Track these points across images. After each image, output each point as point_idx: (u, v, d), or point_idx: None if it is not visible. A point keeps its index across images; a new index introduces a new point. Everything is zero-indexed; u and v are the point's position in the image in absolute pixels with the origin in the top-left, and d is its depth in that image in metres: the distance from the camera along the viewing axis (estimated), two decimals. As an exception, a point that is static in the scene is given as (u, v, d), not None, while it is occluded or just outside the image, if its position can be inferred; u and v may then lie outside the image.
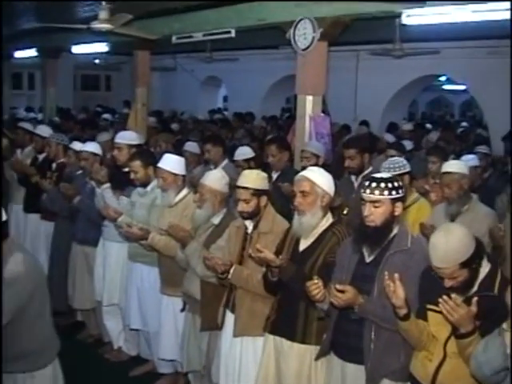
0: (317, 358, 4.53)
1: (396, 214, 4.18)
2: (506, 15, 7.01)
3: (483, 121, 16.17)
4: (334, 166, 7.97)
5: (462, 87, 17.59)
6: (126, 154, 6.97)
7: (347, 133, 12.53)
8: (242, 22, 9.28)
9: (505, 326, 3.39)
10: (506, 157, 10.26)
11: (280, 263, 4.46)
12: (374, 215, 4.12)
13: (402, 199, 4.24)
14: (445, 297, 3.53)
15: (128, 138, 7.26)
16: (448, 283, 3.68)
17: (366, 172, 6.71)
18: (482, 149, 9.12)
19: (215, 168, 7.62)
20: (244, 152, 7.92)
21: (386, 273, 3.83)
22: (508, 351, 3.29)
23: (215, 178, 5.58)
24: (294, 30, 8.26)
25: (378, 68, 13.68)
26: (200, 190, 5.57)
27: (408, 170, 6.11)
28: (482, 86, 12.92)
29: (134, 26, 9.75)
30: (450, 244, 3.61)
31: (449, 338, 3.81)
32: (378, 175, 4.26)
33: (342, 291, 3.99)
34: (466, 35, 10.90)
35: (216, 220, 5.55)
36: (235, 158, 7.92)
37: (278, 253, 4.66)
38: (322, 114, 8.74)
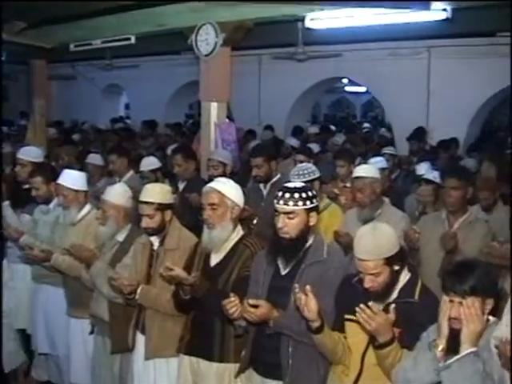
0: (236, 376, 4.37)
1: (311, 224, 4.08)
2: (407, 18, 7.08)
3: (385, 120, 16.36)
4: (241, 173, 7.87)
5: (363, 89, 17.80)
6: (29, 171, 6.63)
7: (252, 138, 12.44)
8: (142, 28, 9.05)
9: (437, 340, 3.33)
10: (410, 156, 10.37)
11: (193, 281, 4.28)
12: (289, 227, 4.00)
13: (316, 208, 4.14)
14: (362, 305, 3.45)
15: (33, 154, 6.99)
16: (368, 283, 3.61)
17: (274, 179, 6.63)
18: (388, 150, 9.19)
19: (120, 180, 7.38)
20: (150, 162, 7.73)
21: (297, 285, 3.72)
22: (439, 365, 3.24)
23: (117, 193, 5.35)
24: (196, 36, 8.10)
25: (281, 72, 13.64)
26: (102, 206, 5.34)
27: (318, 175, 6.05)
28: (384, 88, 13.06)
29: (29, 34, 9.38)
30: (376, 237, 3.59)
31: (366, 349, 3.74)
32: (290, 185, 4.12)
33: (255, 306, 3.86)
34: (368, 38, 10.96)
35: (121, 237, 5.32)
36: (141, 169, 7.70)
37: (186, 269, 4.49)
38: (227, 121, 8.60)
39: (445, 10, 6.92)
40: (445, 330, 3.29)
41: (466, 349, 3.20)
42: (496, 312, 3.52)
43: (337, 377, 3.90)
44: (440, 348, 3.28)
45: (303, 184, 4.23)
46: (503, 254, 4.68)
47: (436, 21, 7.39)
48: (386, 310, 3.60)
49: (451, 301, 3.32)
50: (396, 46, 12.41)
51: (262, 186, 6.68)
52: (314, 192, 4.15)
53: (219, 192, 4.46)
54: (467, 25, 9.42)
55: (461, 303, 3.28)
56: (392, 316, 3.47)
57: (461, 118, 12.01)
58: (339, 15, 7.61)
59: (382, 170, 7.17)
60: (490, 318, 3.45)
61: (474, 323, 3.22)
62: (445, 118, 11.85)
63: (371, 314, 3.42)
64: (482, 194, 6.53)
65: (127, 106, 21.40)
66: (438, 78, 12.10)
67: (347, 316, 3.82)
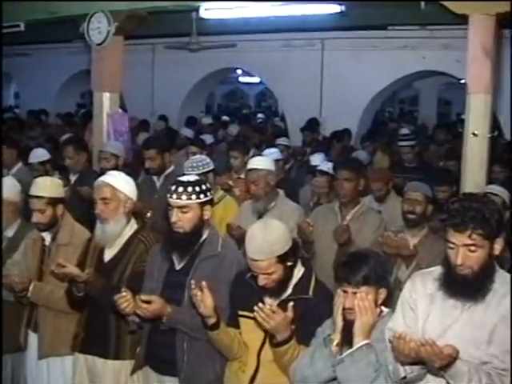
0: (132, 373, 4.30)
1: (205, 217, 4.05)
2: (302, 10, 7.13)
3: (279, 111, 16.48)
4: (134, 165, 7.73)
5: (257, 79, 17.86)
6: None
7: (146, 128, 12.29)
8: (32, 15, 8.74)
9: (332, 335, 3.35)
10: (304, 147, 10.46)
11: (86, 278, 4.17)
12: (183, 221, 3.96)
13: (211, 202, 4.11)
14: (260, 304, 3.45)
15: None
16: (262, 280, 3.59)
17: (167, 171, 6.56)
18: (282, 141, 9.23)
19: (8, 173, 7.12)
20: (39, 154, 7.50)
21: (193, 281, 3.69)
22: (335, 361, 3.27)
23: (5, 187, 5.12)
24: (88, 24, 7.88)
25: (175, 62, 13.52)
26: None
27: (211, 167, 6.01)
28: (278, 79, 13.14)
29: None
30: (268, 235, 3.56)
31: (262, 345, 3.74)
32: (184, 179, 4.08)
33: (148, 302, 3.80)
34: (262, 28, 10.99)
35: (10, 232, 5.09)
36: (30, 161, 7.46)
37: (80, 265, 4.39)
38: (120, 111, 8.43)
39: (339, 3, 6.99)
40: (339, 324, 3.33)
41: (358, 341, 3.25)
42: (389, 302, 3.58)
43: (233, 374, 3.89)
44: (335, 343, 3.32)
45: (197, 177, 4.20)
46: (398, 244, 4.79)
47: (330, 14, 7.47)
48: (280, 306, 3.60)
49: (345, 291, 3.36)
50: (290, 38, 12.51)
51: (155, 178, 6.59)
52: (208, 185, 4.13)
53: (111, 186, 4.36)
54: (360, 18, 9.59)
55: (354, 293, 3.33)
56: (290, 314, 3.47)
57: (353, 109, 12.26)
58: (233, 5, 7.58)
59: (277, 161, 7.19)
60: (384, 308, 3.51)
61: (367, 315, 3.27)
62: (338, 108, 12.06)
63: (269, 313, 3.42)
64: (375, 184, 6.63)
65: (17, 95, 20.78)
66: (331, 70, 12.28)
67: (242, 312, 3.81)
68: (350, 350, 3.25)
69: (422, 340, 2.92)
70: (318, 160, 7.61)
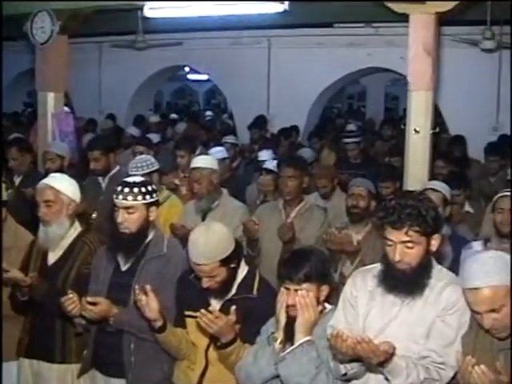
0: (78, 376, 4.28)
1: (151, 218, 4.07)
2: (248, 9, 7.15)
3: (228, 108, 16.50)
4: (80, 165, 7.67)
5: (206, 76, 17.84)
6: None
7: (93, 127, 12.19)
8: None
9: (275, 333, 3.38)
10: (251, 145, 10.48)
11: (30, 282, 4.15)
12: (128, 222, 3.97)
13: (156, 203, 4.14)
14: (203, 310, 3.46)
15: None
16: (206, 283, 3.61)
17: (113, 172, 6.51)
18: (229, 139, 9.22)
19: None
20: (-18, 156, 7.36)
21: (137, 287, 3.68)
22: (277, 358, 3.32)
23: None
24: (32, 23, 7.77)
25: (122, 60, 13.40)
26: None
27: (156, 167, 6.01)
28: (226, 76, 13.13)
29: None
30: (210, 240, 3.58)
31: (209, 345, 3.76)
32: (129, 179, 4.09)
33: (94, 303, 3.79)
34: (209, 26, 10.97)
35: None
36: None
37: (23, 268, 4.34)
38: (66, 110, 8.35)
39: (282, 1, 7.01)
40: (282, 321, 3.37)
41: (300, 338, 3.29)
42: (333, 299, 3.63)
43: (182, 372, 3.91)
44: (278, 341, 3.35)
45: (142, 178, 4.21)
46: (342, 240, 4.84)
47: (275, 13, 7.50)
48: (225, 306, 3.65)
49: (287, 289, 3.40)
50: (237, 36, 12.50)
51: (100, 179, 6.53)
52: (154, 186, 4.15)
53: (54, 188, 4.34)
54: (306, 16, 9.64)
55: (296, 291, 3.37)
56: (233, 317, 3.49)
57: (301, 106, 12.32)
58: (177, 5, 7.56)
59: (223, 159, 7.21)
60: (327, 305, 3.56)
61: (309, 312, 3.31)
62: (285, 105, 12.10)
63: (212, 318, 3.43)
64: (320, 181, 6.68)
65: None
66: (279, 67, 12.32)
67: (188, 312, 3.83)
68: (291, 348, 3.29)
69: (359, 338, 2.97)
70: (265, 157, 7.62)
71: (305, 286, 3.37)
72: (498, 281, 2.90)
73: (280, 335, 3.37)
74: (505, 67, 10.56)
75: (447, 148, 9.28)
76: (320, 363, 3.27)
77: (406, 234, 3.10)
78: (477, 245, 4.85)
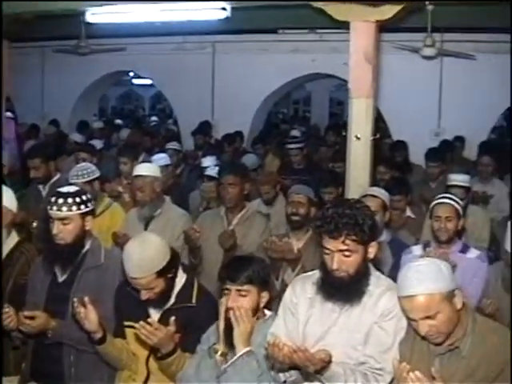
0: (17, 388, 4.21)
1: (86, 228, 4.03)
2: (191, 16, 7.12)
3: (174, 113, 16.41)
4: (21, 172, 7.55)
5: (150, 81, 17.75)
6: None
7: (36, 133, 12.01)
8: None
9: (216, 345, 3.38)
10: (195, 151, 10.43)
11: None
12: (64, 233, 3.91)
13: (92, 212, 4.10)
14: (142, 322, 3.42)
15: None
16: (145, 295, 3.59)
17: (54, 179, 6.45)
18: (173, 145, 9.17)
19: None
20: None
21: (76, 299, 3.64)
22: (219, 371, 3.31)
23: None
24: (-31, 28, 7.60)
25: (65, 65, 13.23)
26: None
27: (97, 175, 5.96)
28: (170, 81, 13.06)
29: None
30: (144, 253, 3.53)
31: (150, 355, 3.73)
32: (64, 189, 4.03)
33: (31, 317, 3.73)
34: (152, 32, 10.89)
35: None
36: None
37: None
38: (8, 115, 8.21)
39: (224, 9, 6.98)
40: (221, 332, 3.35)
41: (239, 350, 3.29)
42: (273, 306, 3.64)
43: (124, 382, 3.86)
44: (219, 353, 3.34)
45: (77, 188, 4.16)
46: (282, 248, 4.85)
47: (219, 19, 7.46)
48: (164, 315, 3.63)
49: (228, 290, 3.39)
50: (181, 41, 12.46)
51: (41, 187, 6.46)
52: (89, 195, 4.10)
53: (-12, 198, 4.25)
54: (251, 22, 9.64)
55: (238, 291, 3.37)
56: (172, 328, 3.47)
57: (245, 112, 12.31)
58: (120, 10, 7.47)
59: (166, 166, 7.17)
60: (267, 311, 3.56)
61: (244, 323, 3.31)
62: (230, 111, 12.09)
63: (152, 330, 3.40)
64: (263, 187, 6.70)
65: None
66: (223, 73, 12.30)
67: (127, 323, 3.79)
68: (232, 360, 3.29)
69: (295, 346, 2.97)
70: (208, 163, 7.58)
71: (246, 287, 3.38)
72: (433, 288, 2.93)
73: (221, 347, 3.36)
74: (445, 73, 10.77)
75: (389, 153, 9.38)
76: (261, 372, 3.28)
77: (343, 242, 3.12)
78: (416, 249, 4.92)
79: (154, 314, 3.70)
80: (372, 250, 3.25)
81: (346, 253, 3.14)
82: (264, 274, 3.49)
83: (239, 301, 3.38)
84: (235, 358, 3.28)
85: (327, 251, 3.17)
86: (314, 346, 3.21)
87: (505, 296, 4.46)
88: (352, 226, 3.10)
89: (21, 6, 7.07)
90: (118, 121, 15.60)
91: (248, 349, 3.30)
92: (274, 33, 11.61)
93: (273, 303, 3.74)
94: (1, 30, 8.04)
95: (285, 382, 3.25)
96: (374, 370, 3.14)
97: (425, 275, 2.96)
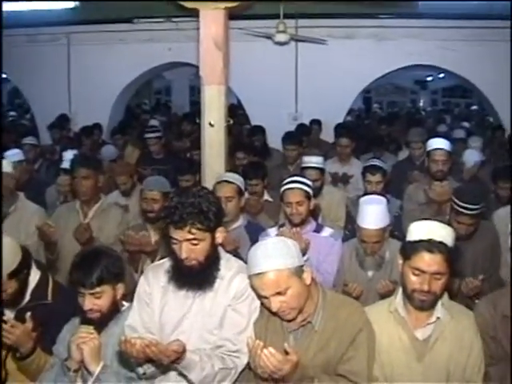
0: None
1: None
2: (39, 5, 6.95)
3: (31, 109, 15.98)
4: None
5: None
6: None
7: None
8: None
9: (68, 362, 3.32)
10: (53, 145, 10.20)
11: None
12: None
13: None
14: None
15: None
16: None
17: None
18: (29, 140, 8.93)
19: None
20: None
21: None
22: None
23: None
24: None
25: None
26: None
27: None
28: (24, 75, 12.61)
29: None
30: None
31: (7, 356, 3.63)
32: None
33: None
34: (4, 23, 10.51)
35: None
36: None
37: None
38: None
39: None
40: (75, 354, 3.24)
41: (93, 370, 3.21)
42: (126, 297, 3.61)
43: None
44: (72, 369, 3.28)
45: None
46: (140, 242, 4.85)
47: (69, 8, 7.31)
48: (19, 314, 3.56)
49: (82, 293, 3.35)
50: (34, 33, 12.10)
51: None
52: None
53: None
54: (103, 12, 9.50)
55: (91, 294, 3.33)
56: (29, 325, 3.41)
57: (104, 103, 12.12)
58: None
59: (20, 162, 6.98)
60: (124, 302, 3.55)
61: (88, 345, 3.23)
62: (88, 103, 11.86)
63: (8, 328, 3.34)
64: (120, 178, 6.64)
65: None
66: (79, 64, 12.01)
67: None
68: (91, 381, 3.23)
69: (146, 341, 2.96)
70: (69, 157, 7.40)
71: (99, 289, 3.35)
72: (281, 264, 3.03)
73: (73, 365, 3.28)
74: (301, 59, 10.98)
75: (248, 139, 9.48)
76: (125, 374, 3.28)
77: (189, 232, 3.14)
78: (272, 231, 5.01)
79: (9, 315, 3.61)
80: (220, 235, 3.29)
81: (194, 241, 3.16)
82: (115, 268, 3.45)
83: (95, 302, 3.36)
84: (93, 378, 3.21)
85: (175, 241, 3.18)
86: (171, 333, 3.26)
87: (359, 271, 4.67)
88: (196, 214, 3.13)
89: None
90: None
91: (101, 365, 3.24)
92: (129, 22, 11.49)
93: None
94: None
95: (144, 373, 3.24)
96: (230, 352, 3.20)
97: (272, 252, 3.05)
